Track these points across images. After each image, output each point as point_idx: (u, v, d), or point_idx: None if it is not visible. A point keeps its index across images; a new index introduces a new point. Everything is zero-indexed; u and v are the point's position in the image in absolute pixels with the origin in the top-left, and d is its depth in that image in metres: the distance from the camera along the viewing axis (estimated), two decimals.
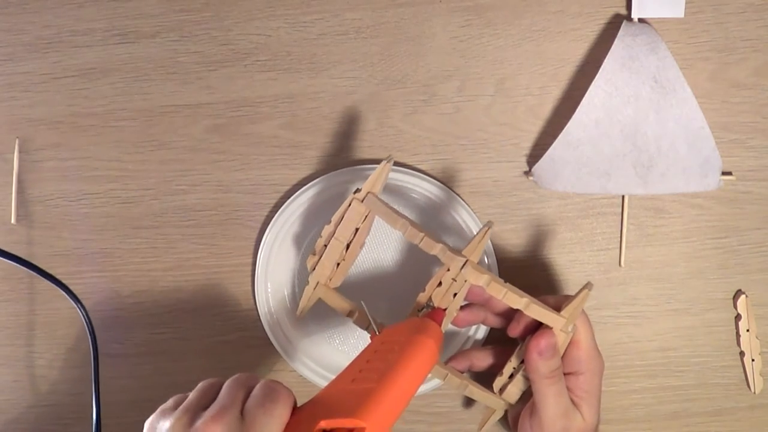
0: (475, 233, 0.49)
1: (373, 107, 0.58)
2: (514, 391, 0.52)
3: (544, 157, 0.56)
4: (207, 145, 0.59)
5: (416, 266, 0.58)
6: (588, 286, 0.49)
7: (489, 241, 0.57)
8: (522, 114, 0.58)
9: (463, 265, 0.48)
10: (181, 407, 0.38)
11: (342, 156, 0.59)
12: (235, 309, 0.60)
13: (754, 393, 0.59)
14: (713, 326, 0.59)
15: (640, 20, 0.56)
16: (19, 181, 0.60)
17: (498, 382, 0.52)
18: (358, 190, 0.50)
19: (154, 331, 0.60)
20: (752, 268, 0.58)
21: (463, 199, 0.57)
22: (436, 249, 0.48)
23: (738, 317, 0.58)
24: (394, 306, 0.59)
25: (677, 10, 0.55)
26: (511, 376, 0.52)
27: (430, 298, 0.50)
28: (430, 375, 0.52)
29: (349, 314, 0.52)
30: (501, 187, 0.58)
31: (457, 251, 0.48)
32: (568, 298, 0.49)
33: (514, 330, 0.51)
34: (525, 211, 0.59)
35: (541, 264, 0.59)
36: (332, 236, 0.50)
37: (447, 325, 0.51)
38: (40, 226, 0.60)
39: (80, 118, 0.59)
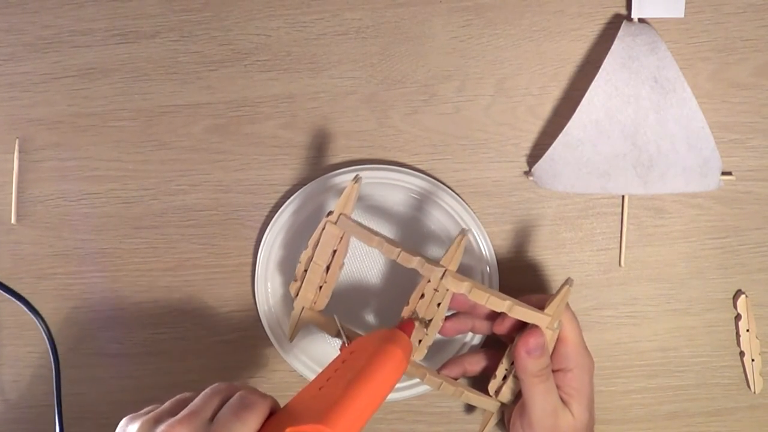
0: (452, 241, 0.49)
1: (373, 107, 0.58)
2: (507, 392, 0.52)
3: (544, 157, 0.56)
4: (207, 145, 0.59)
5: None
6: (569, 281, 0.49)
7: (490, 245, 0.57)
8: (522, 114, 0.58)
9: (443, 275, 0.48)
10: (152, 413, 0.39)
11: (342, 156, 0.59)
12: (235, 309, 0.60)
13: (754, 393, 0.59)
14: (713, 326, 0.59)
15: (640, 20, 0.56)
16: (19, 181, 0.60)
17: (492, 385, 0.52)
18: (330, 213, 0.50)
19: (154, 331, 0.60)
20: (752, 268, 0.58)
21: (463, 199, 0.57)
22: (413, 263, 0.49)
23: (738, 317, 0.58)
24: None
25: (677, 10, 0.55)
26: (505, 378, 0.52)
27: (414, 311, 0.50)
28: (424, 383, 0.52)
29: (338, 335, 0.52)
30: (501, 187, 0.58)
31: (435, 262, 0.49)
32: (551, 296, 0.49)
33: (500, 327, 0.52)
34: (525, 211, 0.59)
35: (541, 264, 0.59)
36: (311, 260, 0.51)
37: (433, 336, 0.51)
38: (40, 226, 0.60)
39: (80, 118, 0.59)
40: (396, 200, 0.58)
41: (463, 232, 0.49)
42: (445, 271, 0.48)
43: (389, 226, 0.58)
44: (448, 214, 0.57)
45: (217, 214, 0.59)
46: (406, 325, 0.50)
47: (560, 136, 0.55)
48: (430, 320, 0.50)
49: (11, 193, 0.59)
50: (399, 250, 0.48)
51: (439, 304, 0.50)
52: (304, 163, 0.59)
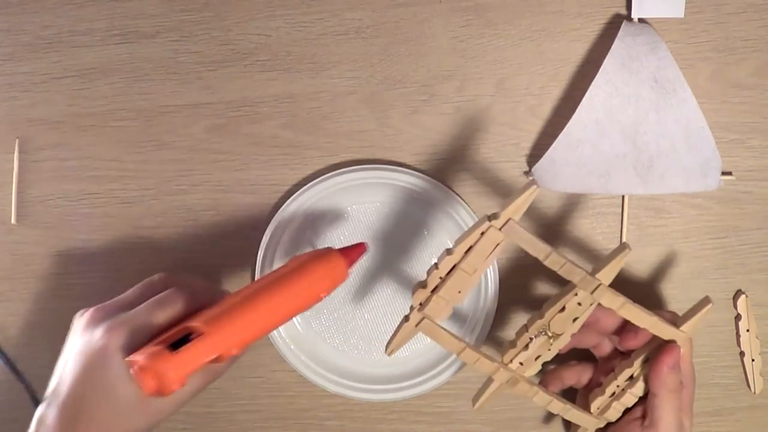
0: (612, 256, 0.48)
1: (373, 107, 0.58)
2: (618, 409, 0.52)
3: (544, 157, 0.56)
4: (207, 145, 0.59)
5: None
6: (708, 300, 0.50)
7: None
8: (522, 114, 0.58)
9: (596, 289, 0.47)
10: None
11: (342, 156, 0.59)
12: None
13: (754, 393, 0.59)
14: (713, 326, 0.59)
15: (640, 20, 0.56)
16: (19, 181, 0.60)
17: (598, 402, 0.52)
18: (491, 216, 0.46)
19: None
20: (752, 268, 0.58)
21: (463, 199, 0.57)
22: (577, 276, 0.47)
23: (738, 317, 0.58)
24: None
25: (677, 10, 0.55)
26: (613, 395, 0.52)
27: (548, 324, 0.49)
28: (534, 401, 0.51)
29: (459, 353, 0.49)
30: (501, 187, 0.58)
31: (592, 275, 0.48)
32: (687, 314, 0.50)
33: (631, 342, 0.51)
34: (525, 211, 0.58)
35: (540, 264, 0.59)
36: (455, 266, 0.47)
37: (556, 351, 0.51)
38: (40, 226, 0.60)
39: (80, 118, 0.59)
40: (394, 200, 0.58)
41: (625, 247, 0.48)
42: (600, 285, 0.47)
43: (389, 227, 0.58)
44: (448, 214, 0.57)
45: (217, 214, 0.59)
46: (352, 249, 0.49)
47: (560, 136, 0.55)
48: (557, 335, 0.49)
49: (11, 193, 0.59)
50: (564, 261, 0.47)
51: (574, 319, 0.49)
52: (304, 163, 0.59)
